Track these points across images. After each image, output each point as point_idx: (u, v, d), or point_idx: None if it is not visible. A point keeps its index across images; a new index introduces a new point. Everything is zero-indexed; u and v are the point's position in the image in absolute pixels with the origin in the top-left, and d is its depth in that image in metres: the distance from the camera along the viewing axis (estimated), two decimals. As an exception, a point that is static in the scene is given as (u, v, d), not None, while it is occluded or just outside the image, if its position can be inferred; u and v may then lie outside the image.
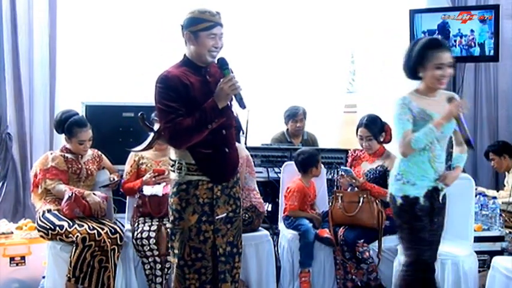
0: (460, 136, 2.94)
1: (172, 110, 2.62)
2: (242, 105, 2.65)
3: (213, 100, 2.61)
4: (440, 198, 2.97)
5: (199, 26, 2.64)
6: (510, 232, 3.91)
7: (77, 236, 3.39)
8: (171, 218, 2.76)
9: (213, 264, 2.75)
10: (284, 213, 4.00)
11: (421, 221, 2.91)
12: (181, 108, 2.62)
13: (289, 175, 4.13)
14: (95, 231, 3.44)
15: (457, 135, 3.01)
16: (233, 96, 2.66)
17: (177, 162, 2.74)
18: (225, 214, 2.76)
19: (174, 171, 2.76)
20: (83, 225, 3.46)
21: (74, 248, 3.39)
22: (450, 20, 5.32)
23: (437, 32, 5.35)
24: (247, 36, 5.57)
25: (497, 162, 4.93)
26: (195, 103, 2.63)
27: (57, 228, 3.47)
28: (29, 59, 5.11)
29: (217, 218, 2.73)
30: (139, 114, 3.27)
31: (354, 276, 3.67)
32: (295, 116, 5.03)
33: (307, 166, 3.99)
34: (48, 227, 3.50)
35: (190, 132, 2.62)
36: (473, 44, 5.29)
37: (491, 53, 5.23)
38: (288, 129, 5.11)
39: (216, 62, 2.70)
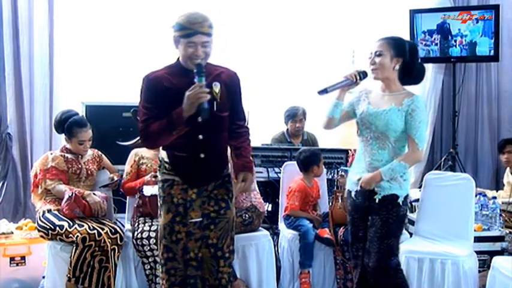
0: (412, 143, 2.88)
1: (147, 111, 2.67)
2: (203, 116, 2.58)
3: (181, 107, 2.57)
4: (377, 199, 2.89)
5: (180, 32, 2.63)
6: (510, 232, 3.91)
7: (77, 236, 3.39)
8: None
9: (185, 267, 2.74)
10: (285, 212, 4.00)
11: (350, 215, 3.03)
12: (155, 110, 2.65)
13: (289, 175, 4.13)
14: (95, 231, 3.44)
15: (410, 142, 2.89)
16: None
17: (159, 160, 2.82)
18: (200, 219, 2.73)
19: (158, 168, 2.83)
20: (83, 225, 3.45)
21: (74, 248, 3.38)
22: (450, 20, 5.33)
23: (437, 32, 5.36)
24: (248, 37, 5.57)
25: None
26: (175, 106, 2.59)
27: (57, 228, 3.46)
28: (29, 59, 5.12)
29: (190, 221, 2.72)
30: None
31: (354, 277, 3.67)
32: (294, 116, 5.03)
33: (308, 164, 3.98)
34: (48, 227, 3.50)
35: (157, 135, 2.64)
36: (473, 44, 5.29)
37: (492, 53, 5.24)
38: (287, 129, 5.11)
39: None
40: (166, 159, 2.77)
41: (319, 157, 4.02)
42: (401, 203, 2.89)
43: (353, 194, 3.01)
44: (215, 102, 2.67)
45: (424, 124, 2.88)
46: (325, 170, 4.27)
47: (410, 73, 2.97)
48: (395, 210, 2.88)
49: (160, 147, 2.81)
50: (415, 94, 2.96)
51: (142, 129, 2.68)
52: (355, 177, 3.01)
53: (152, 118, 2.64)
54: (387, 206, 2.89)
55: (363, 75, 2.96)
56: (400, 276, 2.98)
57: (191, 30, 2.60)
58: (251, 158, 2.97)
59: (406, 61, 2.94)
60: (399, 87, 2.98)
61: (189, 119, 2.59)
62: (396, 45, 2.93)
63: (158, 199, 2.82)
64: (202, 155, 2.72)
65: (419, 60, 3.04)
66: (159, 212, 2.80)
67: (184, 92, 2.58)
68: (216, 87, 2.69)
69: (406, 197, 2.94)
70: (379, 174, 2.85)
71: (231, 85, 2.77)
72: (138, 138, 3.75)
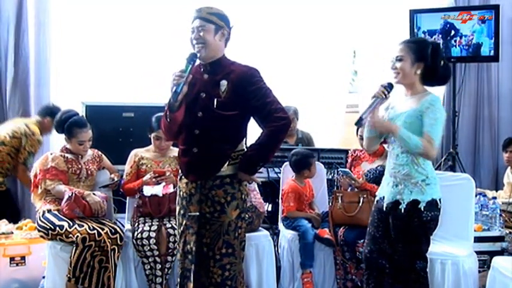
0: (428, 139, 2.77)
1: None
2: (173, 98, 2.66)
3: None
4: (402, 209, 2.85)
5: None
6: (510, 232, 3.91)
7: (77, 236, 3.39)
8: None
9: (184, 259, 2.82)
10: (282, 214, 4.00)
11: (372, 216, 3.04)
12: None
13: (289, 175, 4.12)
14: (95, 231, 3.43)
15: (426, 138, 2.78)
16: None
17: None
18: (197, 213, 2.76)
19: None
20: (83, 226, 3.45)
21: (74, 248, 3.38)
22: (451, 20, 5.33)
23: (439, 32, 5.35)
24: (248, 37, 5.56)
25: None
26: (187, 96, 2.74)
27: (57, 228, 3.46)
28: (29, 59, 5.12)
29: (189, 214, 2.79)
30: None
31: (354, 276, 3.67)
32: None
33: (300, 168, 3.99)
34: (48, 227, 3.50)
35: (164, 123, 2.82)
36: (473, 44, 5.28)
37: (492, 53, 5.23)
38: None
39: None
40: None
41: (310, 161, 4.00)
42: (422, 209, 2.81)
43: (378, 198, 3.03)
44: (215, 100, 2.71)
45: (440, 123, 2.79)
46: (325, 170, 4.28)
47: (433, 76, 2.90)
48: (417, 215, 2.82)
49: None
50: (432, 93, 2.90)
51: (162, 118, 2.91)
52: (384, 184, 3.00)
53: None
54: (408, 212, 2.84)
55: (389, 88, 2.89)
56: (422, 281, 2.92)
57: (192, 16, 2.74)
58: (257, 153, 2.74)
59: (427, 65, 2.86)
60: (420, 89, 2.91)
61: (189, 113, 2.70)
62: (417, 50, 2.85)
63: None
64: (195, 150, 2.76)
65: (443, 61, 2.91)
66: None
67: (195, 84, 2.72)
68: (223, 85, 2.73)
69: (431, 201, 2.84)
70: (397, 128, 2.79)
71: (240, 84, 2.73)
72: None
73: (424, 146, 2.75)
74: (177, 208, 2.88)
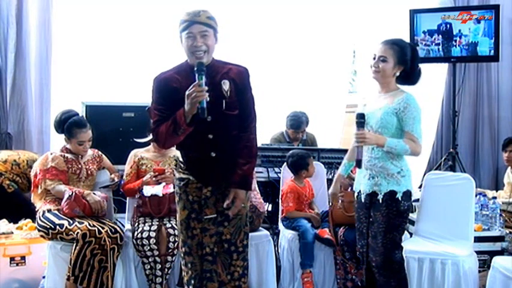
0: (412, 138, 2.94)
1: (159, 112, 2.69)
2: (201, 115, 2.54)
3: (183, 108, 2.57)
4: (380, 199, 2.97)
5: (180, 26, 2.65)
6: (510, 232, 3.91)
7: (77, 232, 3.38)
8: None
9: (200, 261, 2.77)
10: (282, 214, 4.00)
11: (357, 212, 3.17)
12: (166, 111, 2.65)
13: (289, 175, 4.13)
14: (95, 228, 3.43)
15: (409, 137, 2.95)
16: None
17: (175, 159, 2.91)
18: (214, 215, 2.74)
19: (174, 167, 2.90)
20: (83, 223, 3.45)
21: (74, 244, 3.38)
22: (450, 20, 5.33)
23: (438, 32, 5.36)
24: (249, 37, 5.57)
25: None
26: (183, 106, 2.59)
27: (58, 227, 3.46)
28: (29, 59, 5.12)
29: (205, 218, 2.74)
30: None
31: (354, 276, 3.67)
32: (298, 128, 5.03)
33: (297, 169, 4.00)
34: (48, 226, 3.50)
35: (165, 137, 2.65)
36: (473, 44, 5.29)
37: (492, 53, 5.24)
38: (286, 131, 5.12)
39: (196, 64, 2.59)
40: (180, 159, 2.83)
41: (306, 161, 4.00)
42: (400, 199, 2.97)
43: (356, 193, 3.16)
44: (224, 101, 2.67)
45: (418, 120, 2.95)
46: (325, 170, 4.28)
47: (408, 78, 3.08)
48: (395, 205, 2.97)
49: (174, 147, 2.87)
50: (406, 92, 3.03)
51: (153, 130, 2.72)
52: (360, 177, 3.14)
53: (163, 119, 2.65)
54: (386, 202, 2.98)
55: (362, 118, 2.96)
56: (403, 272, 3.06)
57: (188, 21, 2.62)
58: (250, 168, 2.79)
59: (406, 69, 3.03)
60: (394, 87, 3.07)
61: (199, 119, 2.58)
62: (400, 53, 3.00)
63: (175, 195, 2.86)
64: (213, 154, 2.72)
65: (419, 66, 3.10)
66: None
67: None
68: (225, 85, 2.69)
69: (406, 192, 3.00)
70: (384, 139, 2.92)
71: (240, 82, 2.73)
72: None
73: (411, 148, 2.93)
74: (185, 212, 2.78)
